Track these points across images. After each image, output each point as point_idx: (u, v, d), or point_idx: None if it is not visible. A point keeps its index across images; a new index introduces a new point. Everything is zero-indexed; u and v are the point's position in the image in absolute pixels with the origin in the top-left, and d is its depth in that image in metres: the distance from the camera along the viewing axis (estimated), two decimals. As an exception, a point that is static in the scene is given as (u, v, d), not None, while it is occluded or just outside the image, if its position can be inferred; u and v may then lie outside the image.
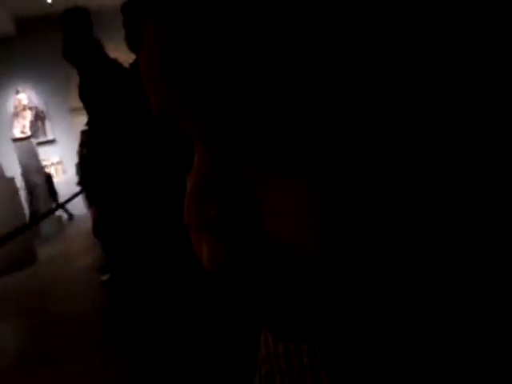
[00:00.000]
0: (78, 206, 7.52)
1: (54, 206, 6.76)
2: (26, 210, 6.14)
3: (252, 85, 0.19)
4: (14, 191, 5.55)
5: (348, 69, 0.18)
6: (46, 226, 6.44)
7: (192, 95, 0.20)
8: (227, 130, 0.20)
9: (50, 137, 8.89)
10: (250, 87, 0.19)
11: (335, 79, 0.18)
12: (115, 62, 2.35)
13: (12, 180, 5.60)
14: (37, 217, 6.21)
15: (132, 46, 2.14)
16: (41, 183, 6.87)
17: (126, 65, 2.26)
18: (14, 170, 6.56)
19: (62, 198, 6.05)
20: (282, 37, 0.18)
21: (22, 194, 6.18)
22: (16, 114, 8.58)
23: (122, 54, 2.47)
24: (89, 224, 4.58)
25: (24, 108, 8.64)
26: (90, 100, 2.32)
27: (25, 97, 8.67)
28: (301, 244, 0.19)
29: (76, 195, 4.52)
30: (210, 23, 0.19)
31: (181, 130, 0.22)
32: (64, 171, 8.81)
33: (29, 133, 8.11)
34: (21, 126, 8.45)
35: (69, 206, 7.20)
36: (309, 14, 0.18)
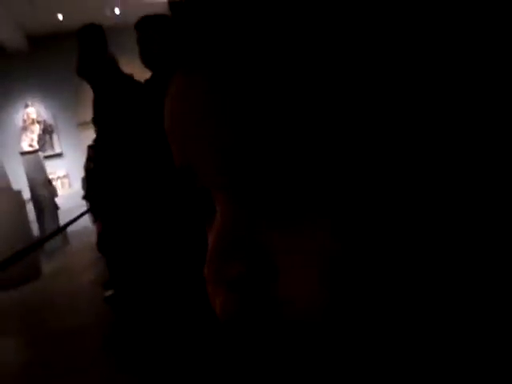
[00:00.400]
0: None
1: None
2: (33, 223, 6.15)
3: (281, 143, 0.18)
4: (22, 204, 5.57)
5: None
6: (50, 241, 6.45)
7: (218, 153, 0.20)
8: (252, 189, 0.20)
9: (57, 150, 8.97)
10: (279, 145, 0.19)
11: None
12: (131, 79, 2.37)
13: (19, 193, 5.62)
14: (44, 231, 6.22)
15: (146, 61, 2.17)
16: (48, 196, 6.89)
17: (141, 80, 2.28)
18: (21, 184, 6.60)
19: (67, 211, 6.06)
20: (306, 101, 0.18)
21: (29, 207, 6.20)
22: (25, 128, 8.68)
23: (136, 69, 2.50)
24: (93, 238, 4.59)
25: (33, 121, 8.74)
26: (105, 116, 2.33)
27: (34, 110, 8.78)
28: (311, 310, 0.19)
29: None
30: (239, 79, 0.19)
31: (204, 184, 0.22)
32: (70, 185, 8.87)
33: (36, 146, 8.18)
34: (29, 140, 8.53)
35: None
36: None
